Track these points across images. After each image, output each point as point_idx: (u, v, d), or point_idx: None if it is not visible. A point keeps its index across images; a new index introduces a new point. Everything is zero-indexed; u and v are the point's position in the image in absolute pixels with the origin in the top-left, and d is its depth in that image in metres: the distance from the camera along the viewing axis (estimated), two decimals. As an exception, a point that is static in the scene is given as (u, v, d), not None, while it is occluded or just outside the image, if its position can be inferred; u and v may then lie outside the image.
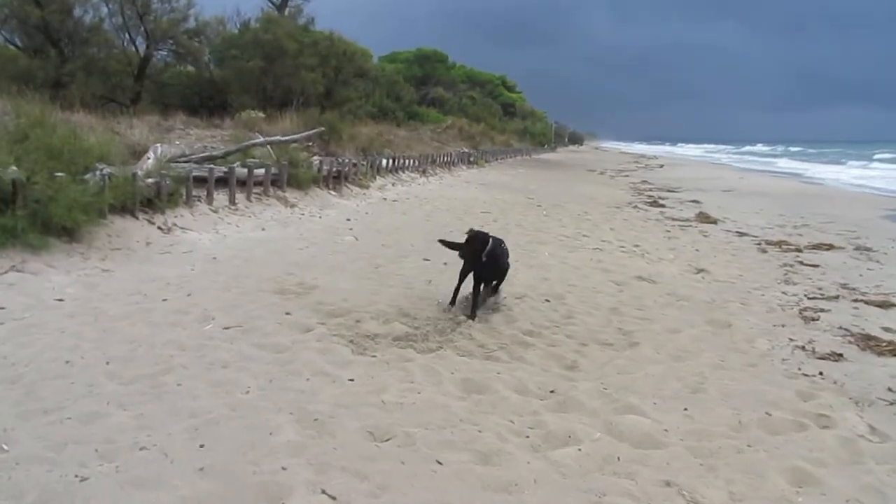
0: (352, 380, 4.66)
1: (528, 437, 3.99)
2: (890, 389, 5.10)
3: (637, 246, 11.34)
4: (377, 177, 18.21)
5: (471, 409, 4.33)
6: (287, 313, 6.12)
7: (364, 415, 4.10)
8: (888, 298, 8.22)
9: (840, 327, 6.87)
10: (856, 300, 8.15)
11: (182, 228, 9.42)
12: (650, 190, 24.37)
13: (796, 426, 4.34)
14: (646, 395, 4.74)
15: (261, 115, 18.64)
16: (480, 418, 4.17)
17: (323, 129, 16.51)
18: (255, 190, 12.16)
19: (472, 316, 6.27)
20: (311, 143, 16.45)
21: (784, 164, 56.55)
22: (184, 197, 10.16)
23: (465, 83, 57.77)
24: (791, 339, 6.38)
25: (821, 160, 60.05)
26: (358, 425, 3.95)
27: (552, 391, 4.73)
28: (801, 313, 7.43)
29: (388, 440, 3.83)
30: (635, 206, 17.97)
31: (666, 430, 4.15)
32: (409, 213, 13.77)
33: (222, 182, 11.41)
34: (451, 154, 27.34)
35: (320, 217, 12.34)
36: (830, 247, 12.28)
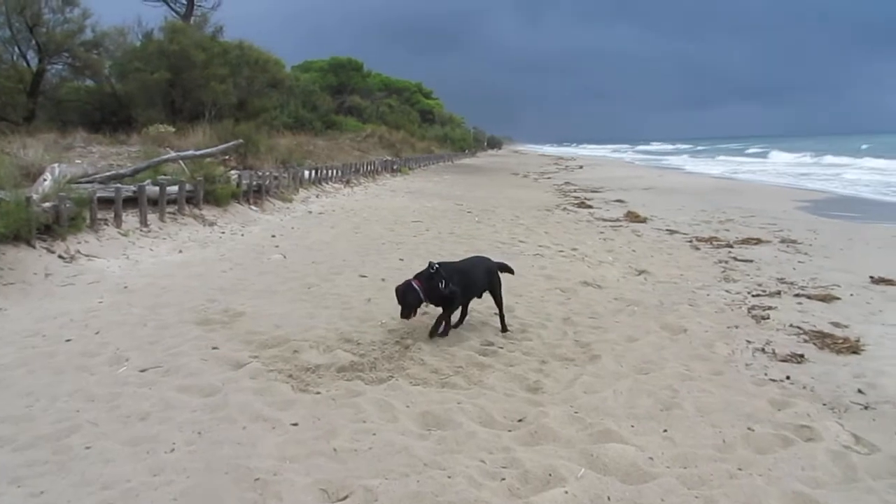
0: (295, 424, 4.07)
1: (503, 479, 3.52)
2: (860, 391, 4.96)
3: (575, 249, 11.15)
4: (300, 189, 17.43)
5: (434, 449, 3.83)
6: (214, 347, 5.44)
7: (314, 467, 3.53)
8: (828, 291, 8.29)
9: (791, 325, 6.81)
10: (797, 295, 8.17)
11: (87, 256, 8.48)
12: (575, 191, 24.56)
13: (781, 441, 4.08)
14: (620, 417, 4.38)
15: (170, 129, 17.51)
16: (447, 460, 3.68)
17: (241, 140, 15.62)
18: (168, 209, 11.24)
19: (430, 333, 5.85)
20: (227, 157, 15.52)
21: (683, 161, 59.16)
22: (87, 221, 9.19)
23: (382, 91, 57.25)
24: (748, 342, 6.22)
25: (716, 156, 63.67)
26: (308, 481, 3.38)
27: (520, 420, 4.30)
28: (749, 312, 7.34)
29: (345, 498, 3.28)
30: (564, 209, 17.93)
31: (651, 459, 3.78)
32: (338, 225, 13.12)
33: (132, 202, 10.46)
34: (374, 163, 26.74)
35: (242, 235, 11.52)
36: (758, 241, 12.51)
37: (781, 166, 46.20)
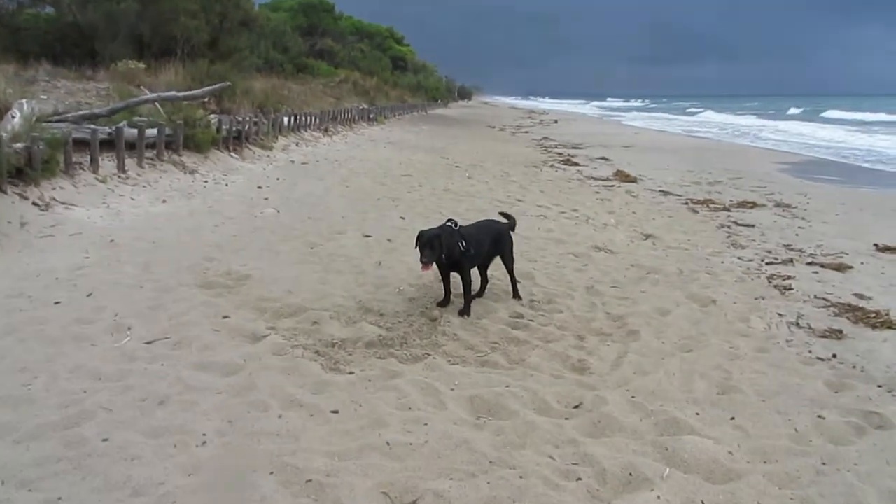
0: (336, 411, 3.66)
1: (579, 478, 3.19)
2: (912, 371, 4.76)
3: (575, 210, 10.79)
4: (279, 136, 16.61)
5: (495, 442, 3.47)
6: (224, 316, 4.96)
7: (370, 467, 3.14)
8: (839, 260, 8.12)
9: (815, 296, 6.61)
10: (810, 263, 7.99)
11: (64, 204, 7.79)
12: (556, 147, 24.10)
13: (854, 430, 3.83)
14: (681, 403, 4.08)
15: (141, 66, 16.37)
16: (513, 456, 3.33)
17: (229, 83, 14.65)
18: (146, 154, 10.46)
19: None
20: (206, 100, 14.60)
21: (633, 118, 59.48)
22: (62, 164, 8.43)
23: (354, 35, 55.32)
24: (780, 315, 5.99)
25: (688, 113, 64.56)
26: (368, 484, 2.99)
27: (576, 406, 3.96)
28: (770, 282, 7.13)
29: None
30: (551, 166, 17.51)
31: (730, 453, 3.50)
32: (325, 178, 12.50)
33: (107, 146, 9.67)
34: (351, 111, 25.80)
35: (227, 185, 10.85)
36: (753, 205, 12.32)
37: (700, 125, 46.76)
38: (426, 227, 5.49)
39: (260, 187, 10.83)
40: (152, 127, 10.72)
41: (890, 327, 5.74)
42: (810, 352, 5.13)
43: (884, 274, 7.64)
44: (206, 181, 10.85)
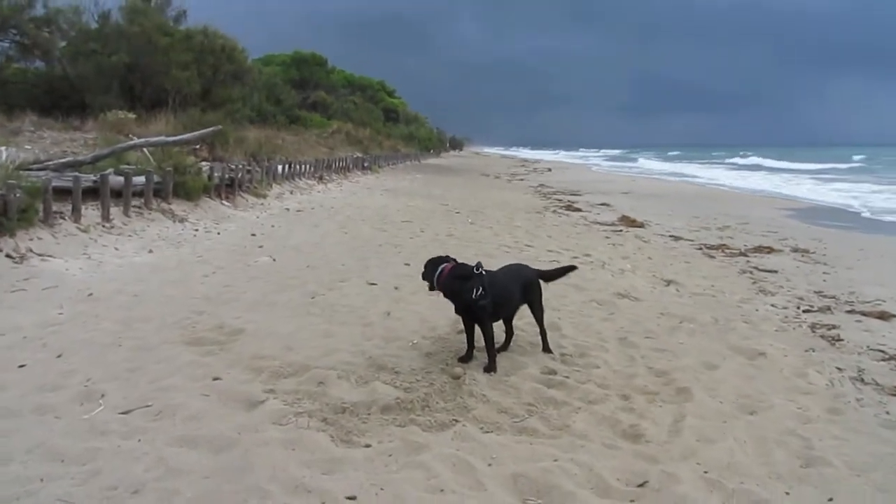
0: (352, 498, 2.96)
1: (667, 586, 2.49)
2: None
3: (588, 255, 10.22)
4: (273, 184, 16.12)
5: (554, 536, 2.78)
6: (215, 378, 4.27)
7: (402, 576, 2.44)
8: (881, 308, 7.56)
9: (870, 348, 6.01)
10: (850, 312, 7.42)
11: (41, 255, 7.13)
12: (555, 194, 23.76)
13: (978, 513, 3.16)
14: (763, 480, 3.40)
15: (130, 115, 15.94)
16: (579, 555, 2.63)
17: (220, 127, 14.19)
18: (133, 202, 9.87)
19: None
20: (198, 147, 14.11)
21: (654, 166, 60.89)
22: (40, 214, 7.81)
23: (346, 88, 55.77)
24: (839, 369, 5.37)
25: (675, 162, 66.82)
26: None
27: (641, 484, 3.27)
28: (814, 332, 6.54)
29: None
30: (554, 211, 17.06)
31: (844, 546, 2.81)
32: (322, 225, 11.91)
33: (91, 194, 9.08)
34: (345, 159, 25.47)
35: (218, 233, 10.23)
36: (770, 250, 11.83)
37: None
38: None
39: (254, 235, 10.22)
40: (140, 174, 10.16)
41: (964, 382, 5.13)
42: (888, 413, 4.49)
43: (929, 322, 7.06)
44: (196, 230, 10.23)
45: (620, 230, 13.80)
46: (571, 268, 6.01)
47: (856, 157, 63.02)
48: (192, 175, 11.41)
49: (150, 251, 8.49)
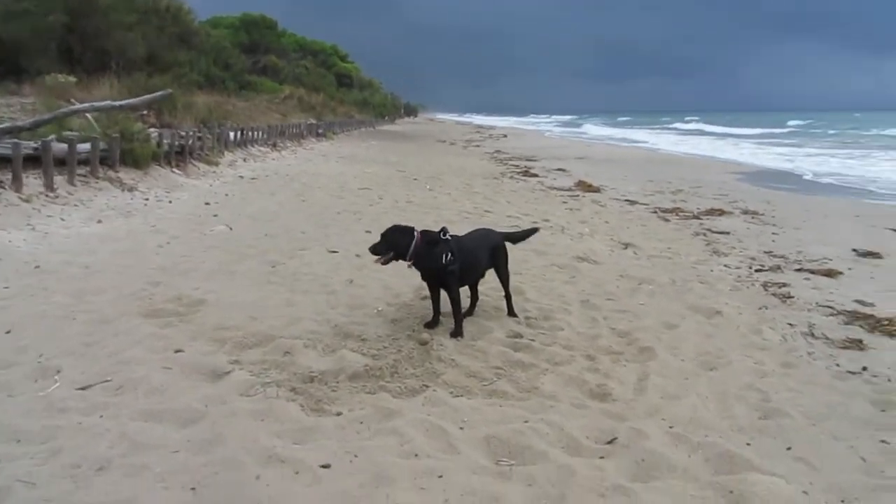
0: (326, 466, 2.94)
1: (641, 539, 2.56)
2: (953, 384, 4.33)
3: (547, 220, 10.28)
4: (225, 152, 15.68)
5: (529, 495, 2.82)
6: (177, 350, 4.16)
7: (381, 540, 2.44)
8: (826, 266, 7.83)
9: (819, 304, 6.23)
10: (799, 270, 7.67)
11: (-19, 227, 6.79)
12: (511, 160, 23.76)
13: (924, 456, 3.33)
14: (726, 432, 3.52)
15: (72, 79, 15.19)
16: (555, 513, 2.68)
17: (170, 91, 13.64)
18: (79, 171, 9.47)
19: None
20: (146, 113, 13.58)
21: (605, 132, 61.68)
22: (-22, 183, 7.43)
23: (297, 52, 54.29)
24: (791, 325, 5.57)
25: (632, 128, 68.02)
26: (382, 568, 2.29)
27: (611, 441, 3.34)
28: (766, 290, 6.74)
29: (443, 591, 2.22)
30: (511, 177, 17.08)
31: (806, 493, 2.94)
32: (278, 193, 11.67)
33: (33, 162, 8.67)
34: (299, 126, 24.93)
35: (170, 202, 9.92)
36: (722, 212, 12.10)
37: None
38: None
39: (208, 204, 9.94)
40: (85, 141, 9.73)
41: (908, 335, 5.38)
42: (838, 365, 4.68)
43: (874, 279, 7.37)
44: (146, 199, 9.90)
45: (577, 195, 13.91)
46: (535, 230, 6.04)
47: (791, 123, 65.40)
48: (141, 142, 10.98)
49: (99, 221, 8.18)
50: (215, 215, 9.01)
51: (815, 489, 2.99)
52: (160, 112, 15.17)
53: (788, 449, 3.37)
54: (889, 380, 4.41)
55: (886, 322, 5.65)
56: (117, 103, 11.76)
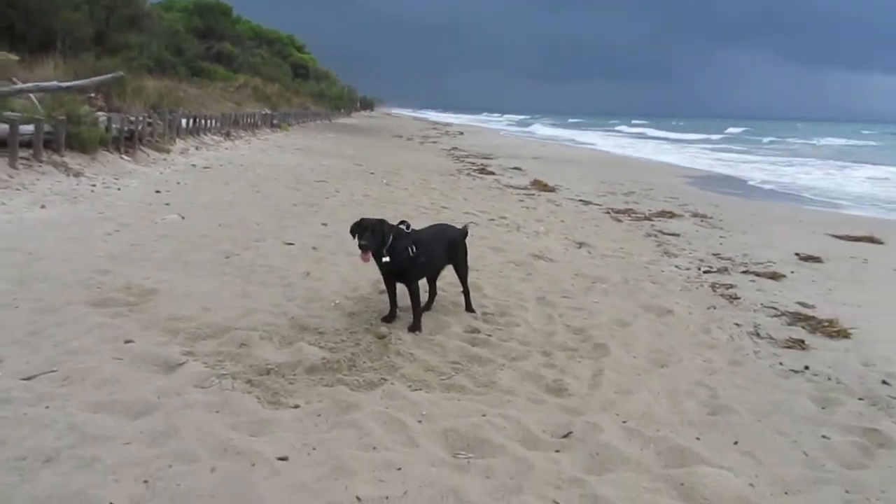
0: (284, 458, 2.91)
1: (596, 530, 2.62)
2: (885, 382, 4.56)
3: (504, 218, 10.38)
4: (177, 139, 15.28)
5: (487, 487, 2.85)
6: (128, 341, 4.04)
7: (340, 533, 2.43)
8: (771, 269, 8.12)
9: (763, 305, 6.47)
10: (745, 272, 7.94)
11: (-85, 209, 6.47)
12: (468, 157, 23.85)
13: (861, 451, 3.51)
14: (677, 427, 3.62)
15: (13, 57, 14.57)
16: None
17: (121, 73, 13.19)
18: (21, 154, 9.09)
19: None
20: (93, 96, 13.12)
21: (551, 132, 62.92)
22: (-87, 163, 7.06)
23: (253, 40, 53.25)
24: (738, 325, 5.77)
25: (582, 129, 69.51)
26: (341, 560, 2.28)
27: (566, 435, 3.40)
28: (715, 291, 6.96)
29: (402, 582, 2.23)
30: (468, 174, 17.15)
31: (752, 486, 3.05)
32: (232, 182, 11.45)
33: (-29, 143, 8.29)
34: (254, 116, 24.50)
35: (119, 189, 9.63)
36: (672, 215, 12.41)
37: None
38: (347, 233, 4.84)
39: (159, 192, 9.68)
40: (28, 123, 9.35)
41: (846, 336, 5.63)
42: (781, 364, 4.87)
43: (814, 282, 7.67)
44: (93, 185, 9.58)
45: (533, 194, 14.07)
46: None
47: (730, 130, 67.97)
48: (88, 126, 10.61)
49: (43, 207, 7.88)
50: (167, 204, 8.78)
51: (760, 482, 3.11)
52: (109, 95, 14.70)
53: (735, 443, 3.49)
54: (829, 378, 4.62)
55: (826, 323, 5.90)
56: (64, 84, 11.33)
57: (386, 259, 4.61)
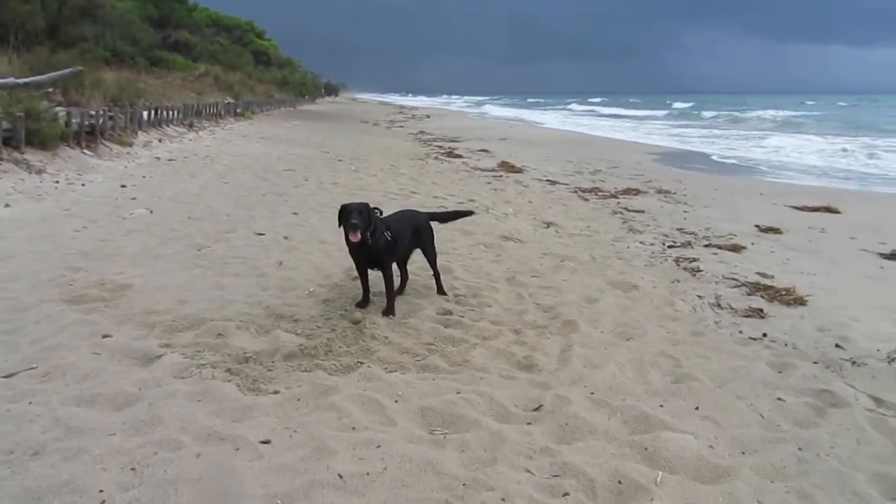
0: (266, 442, 3.02)
1: (566, 493, 2.79)
2: (838, 346, 4.82)
3: (473, 201, 10.50)
4: (139, 132, 15.07)
5: (463, 460, 2.99)
6: (105, 335, 4.09)
7: (325, 507, 2.55)
8: (732, 241, 8.39)
9: (724, 276, 6.71)
10: (707, 245, 8.19)
11: None
12: (435, 141, 23.90)
13: (814, 411, 3.73)
14: (642, 396, 3.81)
15: (-35, 53, 14.18)
16: (487, 475, 2.86)
17: (80, 68, 12.93)
18: (-20, 152, 8.94)
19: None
20: (51, 91, 12.86)
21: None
22: None
23: (211, 27, 52.22)
24: (700, 297, 5.99)
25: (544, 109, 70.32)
26: (327, 533, 2.41)
27: (537, 408, 3.56)
28: (678, 265, 7.18)
29: (386, 550, 2.36)
30: (436, 158, 17.22)
31: (711, 447, 3.24)
32: (199, 174, 11.37)
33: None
34: (216, 105, 24.17)
35: (84, 185, 9.52)
36: (637, 192, 12.66)
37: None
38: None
39: (124, 186, 9.60)
40: (-14, 120, 9.19)
41: (802, 303, 5.89)
42: (741, 332, 5.09)
43: (774, 252, 7.95)
44: (57, 181, 9.46)
45: (501, 176, 14.21)
46: (469, 212, 6.16)
47: (677, 105, 69.76)
48: (48, 122, 10.44)
49: (7, 205, 7.78)
50: (134, 198, 8.73)
51: (719, 443, 3.30)
52: (67, 90, 14.41)
53: (697, 409, 3.69)
54: (785, 344, 4.85)
55: (784, 292, 6.16)
56: (21, 80, 11.11)
57: (369, 242, 4.71)
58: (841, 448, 3.31)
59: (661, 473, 2.93)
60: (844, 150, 23.08)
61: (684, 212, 10.68)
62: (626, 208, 10.84)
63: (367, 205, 4.76)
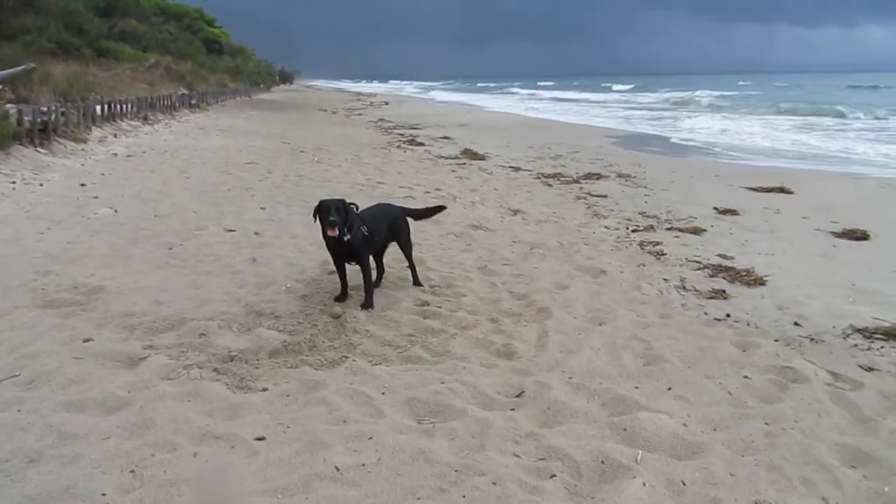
0: (261, 438, 3.09)
1: (553, 475, 2.94)
2: (796, 324, 5.08)
3: (439, 190, 10.59)
4: (93, 127, 14.68)
5: (453, 447, 3.11)
6: (86, 340, 4.08)
7: (325, 501, 2.64)
8: (694, 224, 8.68)
9: (687, 259, 6.96)
10: (669, 229, 8.46)
11: None
12: (396, 128, 23.83)
13: (778, 387, 3.96)
14: (618, 379, 3.98)
15: None
16: (477, 461, 2.99)
17: (34, 65, 12.51)
18: (-70, 153, 8.65)
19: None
20: (2, 87, 12.43)
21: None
22: None
23: (159, 15, 50.82)
24: (665, 280, 6.22)
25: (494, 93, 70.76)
26: (330, 524, 2.50)
27: (519, 395, 3.70)
28: (643, 249, 7.42)
29: (388, 537, 2.47)
30: (399, 146, 17.22)
31: (685, 425, 3.43)
32: (159, 170, 11.18)
33: None
34: (170, 97, 23.62)
35: (41, 185, 9.29)
36: (599, 176, 12.92)
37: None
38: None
39: (84, 185, 9.40)
40: (-65, 119, 8.87)
41: (762, 283, 6.16)
42: (706, 313, 5.32)
43: (732, 234, 8.26)
44: (13, 182, 9.21)
45: (464, 163, 14.30)
46: (442, 208, 6.26)
47: (618, 87, 71.68)
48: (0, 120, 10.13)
49: (-36, 209, 7.58)
50: (95, 197, 8.56)
51: (692, 421, 3.50)
52: (14, 85, 13.93)
53: (669, 389, 3.88)
54: (748, 324, 5.10)
55: (744, 273, 6.43)
56: (-30, 78, 10.71)
57: (347, 237, 4.76)
58: (804, 421, 3.53)
59: (640, 452, 3.10)
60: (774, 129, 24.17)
61: (645, 195, 10.95)
62: (589, 193, 11.07)
63: (343, 201, 4.83)
